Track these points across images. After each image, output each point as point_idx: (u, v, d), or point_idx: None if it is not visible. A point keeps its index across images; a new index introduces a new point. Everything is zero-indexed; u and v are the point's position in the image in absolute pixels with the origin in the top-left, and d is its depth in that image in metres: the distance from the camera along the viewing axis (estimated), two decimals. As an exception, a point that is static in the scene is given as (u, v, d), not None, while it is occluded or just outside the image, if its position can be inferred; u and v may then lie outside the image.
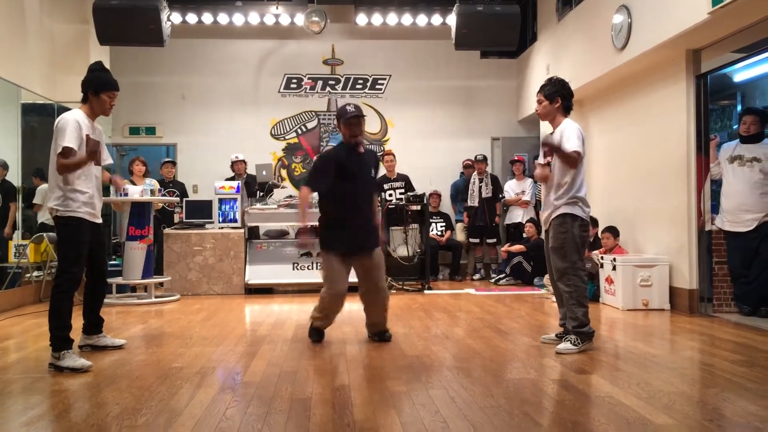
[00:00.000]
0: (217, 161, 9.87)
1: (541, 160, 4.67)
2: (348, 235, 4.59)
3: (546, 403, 3.21)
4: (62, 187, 4.06)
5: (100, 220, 4.33)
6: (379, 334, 4.84)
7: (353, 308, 5.21)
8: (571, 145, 4.32)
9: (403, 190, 9.26)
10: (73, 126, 4.05)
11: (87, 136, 4.13)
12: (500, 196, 9.55)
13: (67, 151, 4.00)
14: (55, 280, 4.12)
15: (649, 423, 2.82)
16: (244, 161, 9.17)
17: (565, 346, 4.33)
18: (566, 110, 4.56)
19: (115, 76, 4.39)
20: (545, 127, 8.84)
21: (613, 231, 6.93)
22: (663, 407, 3.04)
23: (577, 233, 4.40)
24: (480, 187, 9.46)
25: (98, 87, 4.23)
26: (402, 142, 10.62)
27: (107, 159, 4.46)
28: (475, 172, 9.58)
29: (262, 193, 8.55)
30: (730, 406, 3.09)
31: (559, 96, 4.51)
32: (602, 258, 6.69)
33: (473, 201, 9.49)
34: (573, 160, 4.32)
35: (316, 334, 4.83)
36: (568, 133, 4.38)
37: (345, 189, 4.58)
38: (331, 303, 4.66)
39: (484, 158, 9.69)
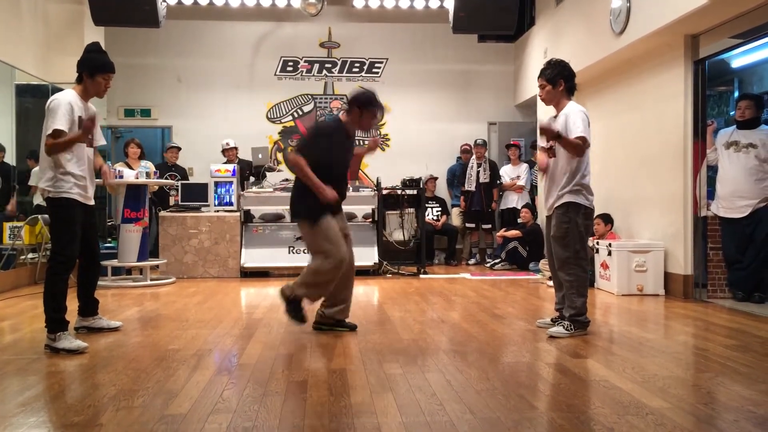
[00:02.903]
0: (212, 144, 9.81)
1: (542, 143, 4.61)
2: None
3: (541, 386, 3.23)
4: (54, 168, 4.03)
5: (92, 202, 4.30)
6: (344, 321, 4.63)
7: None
8: (576, 130, 4.24)
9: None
10: (66, 108, 4.01)
11: (79, 117, 4.10)
12: (498, 182, 9.54)
13: (57, 134, 3.96)
14: (49, 262, 4.09)
15: (643, 406, 2.83)
16: (235, 148, 9.10)
17: (557, 330, 4.34)
18: (570, 92, 4.46)
19: (109, 58, 4.35)
20: (542, 112, 8.83)
21: (604, 217, 6.95)
22: (658, 391, 3.06)
23: (581, 222, 4.35)
24: (478, 172, 9.44)
25: (94, 68, 4.19)
26: (399, 126, 10.59)
27: (100, 140, 4.43)
28: (474, 157, 9.56)
29: (253, 179, 8.51)
30: (724, 391, 3.11)
31: (561, 78, 4.42)
32: (597, 244, 6.71)
33: (470, 186, 9.48)
34: (579, 148, 4.24)
35: (299, 311, 4.43)
36: (573, 117, 4.28)
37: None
38: (334, 272, 4.33)
39: (484, 143, 9.67)
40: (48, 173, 4.05)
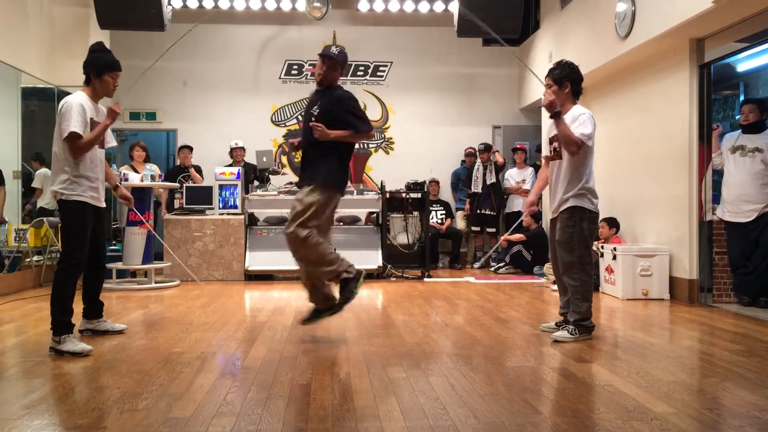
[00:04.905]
0: (217, 147, 9.83)
1: (545, 152, 4.64)
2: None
3: (546, 390, 3.22)
4: (69, 171, 4.04)
5: (103, 205, 4.32)
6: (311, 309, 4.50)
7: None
8: (582, 130, 4.23)
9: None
10: (78, 110, 4.03)
11: (91, 119, 4.12)
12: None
13: (73, 136, 3.98)
14: (58, 265, 4.10)
15: (648, 411, 2.82)
16: (243, 148, 9.13)
17: (561, 334, 4.33)
18: (576, 95, 4.46)
19: (114, 56, 4.35)
20: (546, 115, 8.82)
21: (609, 221, 6.94)
22: (662, 396, 3.05)
23: (586, 227, 4.34)
24: (485, 174, 9.43)
25: (100, 68, 4.19)
26: (403, 130, 10.60)
27: (111, 142, 4.45)
28: (479, 161, 9.56)
29: (258, 183, 8.51)
30: (729, 396, 3.10)
31: (568, 81, 4.40)
32: (602, 248, 6.69)
33: (477, 188, 9.46)
34: (575, 145, 4.23)
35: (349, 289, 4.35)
36: (583, 118, 4.28)
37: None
38: None
39: (487, 147, 9.62)
40: (62, 175, 4.05)
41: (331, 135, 4.23)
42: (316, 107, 4.33)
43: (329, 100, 4.36)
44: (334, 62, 4.33)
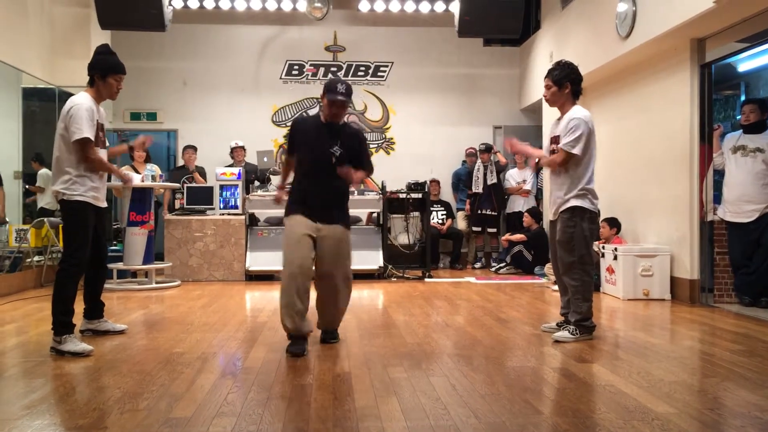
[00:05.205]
0: (218, 147, 9.82)
1: (545, 153, 4.65)
2: (310, 201, 4.12)
3: (547, 391, 3.22)
4: (71, 171, 4.04)
5: (105, 205, 4.32)
6: (325, 332, 4.36)
7: (353, 295, 5.18)
8: (567, 140, 4.27)
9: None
10: (89, 114, 4.04)
11: (96, 121, 4.14)
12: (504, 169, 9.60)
13: (86, 142, 4.00)
14: (60, 265, 4.10)
15: (649, 411, 2.82)
16: (243, 148, 9.13)
17: (562, 334, 4.33)
18: (575, 95, 4.45)
19: (119, 59, 4.36)
20: (547, 116, 8.83)
21: (610, 221, 6.94)
22: (663, 396, 3.05)
23: (587, 227, 4.34)
24: (485, 174, 9.43)
25: (105, 70, 4.20)
26: (404, 130, 10.59)
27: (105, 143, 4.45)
28: (479, 161, 9.55)
29: (259, 183, 8.50)
30: (731, 396, 3.10)
31: (568, 81, 4.40)
32: (603, 248, 6.69)
33: (477, 188, 9.46)
34: (553, 163, 4.35)
35: (293, 343, 3.96)
36: (573, 126, 4.28)
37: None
38: (288, 283, 3.94)
39: (488, 147, 9.62)
40: (64, 176, 4.06)
41: (355, 180, 4.16)
42: (336, 147, 4.09)
43: (351, 141, 4.20)
44: (345, 104, 4.16)
